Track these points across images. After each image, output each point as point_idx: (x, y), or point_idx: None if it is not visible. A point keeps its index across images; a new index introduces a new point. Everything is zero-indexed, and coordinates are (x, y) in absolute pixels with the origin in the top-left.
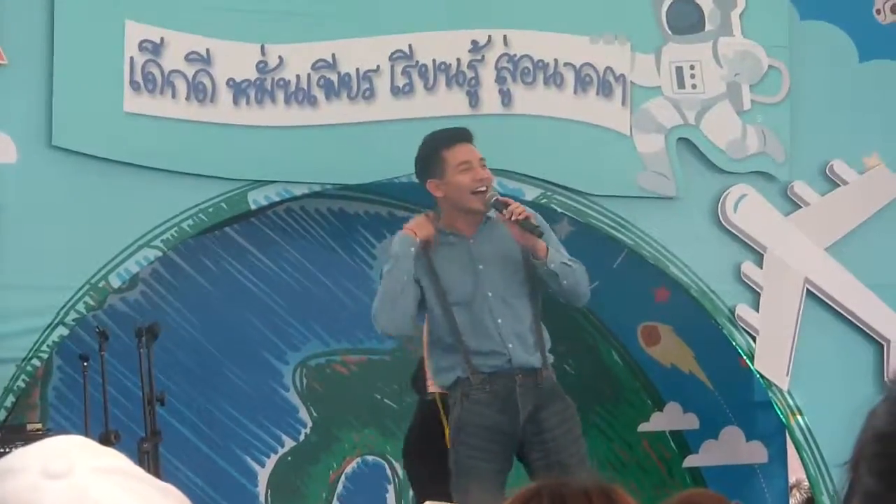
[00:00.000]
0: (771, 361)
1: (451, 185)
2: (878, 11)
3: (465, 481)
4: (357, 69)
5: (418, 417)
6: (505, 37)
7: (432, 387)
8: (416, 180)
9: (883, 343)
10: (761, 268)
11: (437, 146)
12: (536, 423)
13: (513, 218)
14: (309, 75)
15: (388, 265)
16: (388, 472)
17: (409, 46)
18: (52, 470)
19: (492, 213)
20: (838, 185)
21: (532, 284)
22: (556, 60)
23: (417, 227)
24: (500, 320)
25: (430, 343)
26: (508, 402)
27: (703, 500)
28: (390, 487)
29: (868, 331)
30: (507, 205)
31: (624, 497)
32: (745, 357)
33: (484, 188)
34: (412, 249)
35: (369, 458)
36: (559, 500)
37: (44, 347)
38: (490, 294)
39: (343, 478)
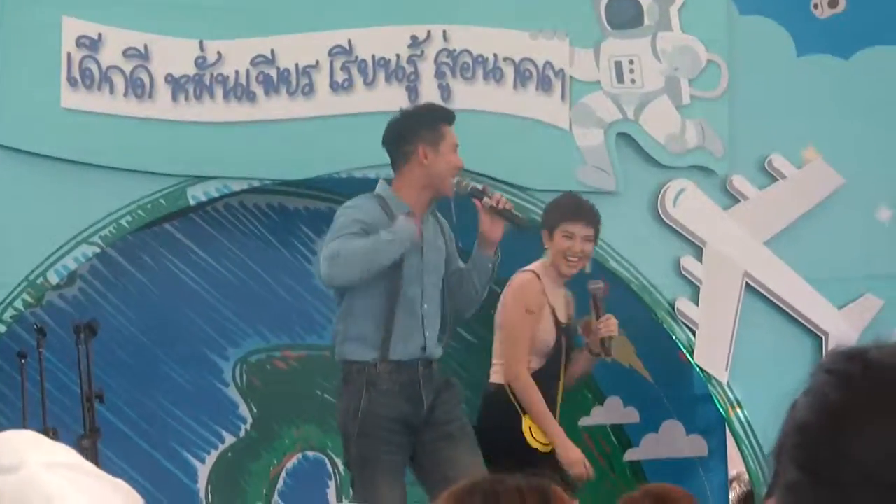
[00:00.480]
0: (711, 355)
1: (442, 161)
2: (816, 6)
3: (369, 473)
4: (296, 65)
5: (484, 409)
6: (444, 32)
7: (494, 377)
8: (387, 146)
9: (821, 336)
10: (701, 262)
11: (439, 118)
12: (432, 410)
13: (500, 206)
14: (248, 71)
15: (391, 236)
16: (329, 467)
17: (349, 42)
18: (2, 464)
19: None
20: (777, 179)
21: (445, 279)
22: (495, 55)
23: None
24: (426, 306)
25: (354, 313)
26: (413, 393)
27: (669, 494)
28: (331, 483)
29: (807, 324)
30: (485, 192)
31: (558, 494)
32: (684, 351)
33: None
34: (409, 244)
35: (310, 453)
36: (493, 498)
37: None
38: (426, 279)
39: (283, 473)
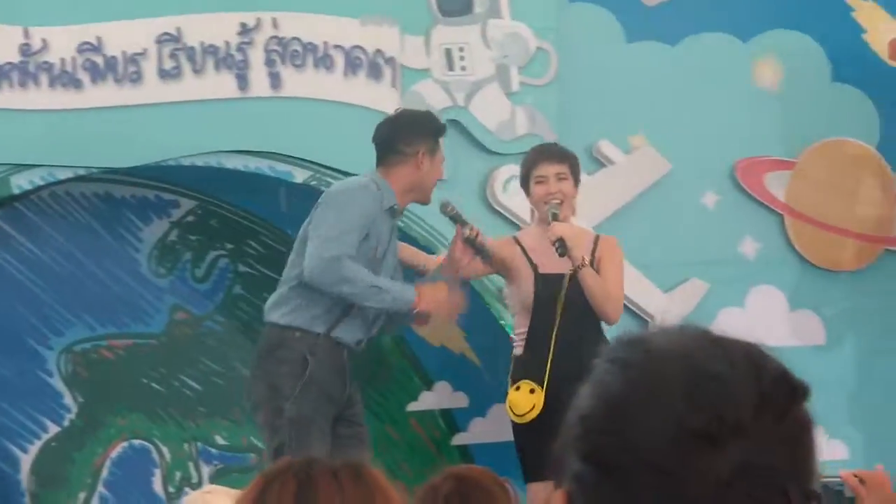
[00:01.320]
0: None
1: (435, 172)
2: None
3: (305, 433)
4: (123, 52)
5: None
6: (274, 19)
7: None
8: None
9: (647, 319)
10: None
11: (440, 130)
12: (350, 403)
13: (477, 238)
14: (74, 58)
15: (391, 297)
16: (155, 455)
17: (177, 29)
18: None
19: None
20: (605, 165)
21: None
22: (325, 43)
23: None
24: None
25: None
26: (341, 377)
27: (470, 475)
28: (157, 471)
29: (633, 307)
30: (465, 222)
31: (373, 474)
32: (513, 336)
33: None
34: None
35: (136, 442)
36: (306, 478)
37: None
38: (383, 274)
39: (108, 462)
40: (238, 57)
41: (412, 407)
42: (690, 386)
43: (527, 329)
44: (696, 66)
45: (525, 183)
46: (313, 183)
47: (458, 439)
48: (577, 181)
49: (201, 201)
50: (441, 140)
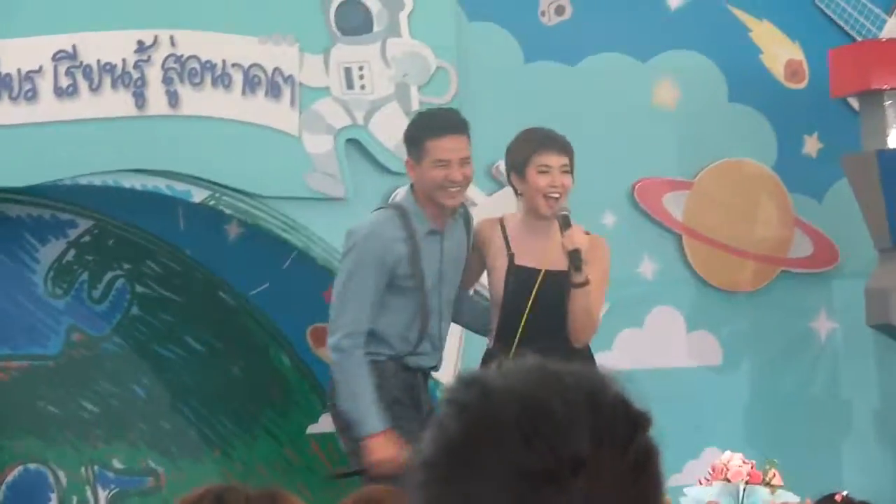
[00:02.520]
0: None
1: (425, 176)
2: (543, 13)
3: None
4: (19, 69)
5: None
6: (172, 37)
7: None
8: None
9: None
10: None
11: (424, 134)
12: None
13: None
14: None
15: (357, 416)
16: (52, 479)
17: (74, 46)
18: None
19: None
20: (504, 185)
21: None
22: (224, 61)
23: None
24: (443, 323)
25: (361, 343)
26: (414, 396)
27: (380, 496)
28: (53, 496)
29: None
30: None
31: (288, 498)
32: None
33: (457, 189)
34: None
35: (31, 466)
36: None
37: None
38: (443, 295)
39: (3, 487)
40: (135, 75)
41: (312, 429)
42: (526, 426)
43: (497, 323)
44: (595, 86)
45: (520, 169)
46: (212, 203)
47: None
48: (573, 175)
49: (98, 221)
50: (431, 142)
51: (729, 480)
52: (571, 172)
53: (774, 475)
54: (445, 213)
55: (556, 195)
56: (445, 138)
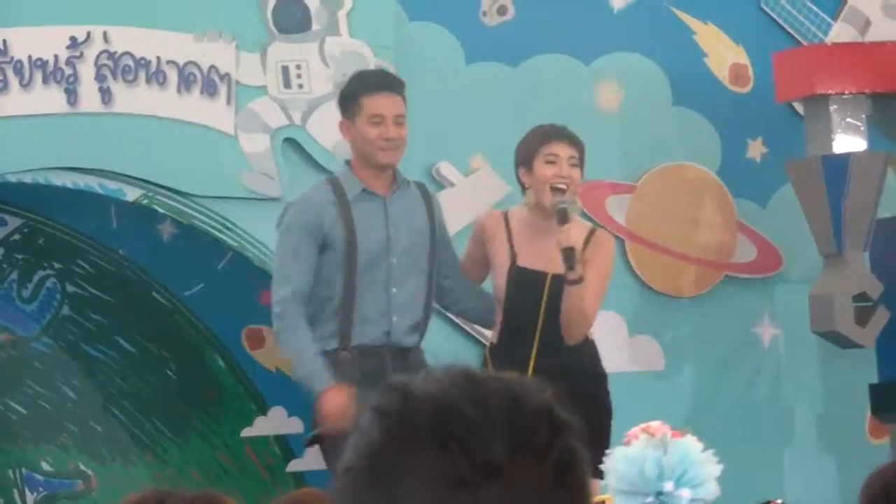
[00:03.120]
0: None
1: (359, 134)
2: (485, 13)
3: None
4: None
5: None
6: (105, 33)
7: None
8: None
9: (486, 344)
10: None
11: (358, 90)
12: None
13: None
14: None
15: (303, 372)
16: None
17: (3, 42)
18: None
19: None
20: (444, 187)
21: (431, 263)
22: (158, 58)
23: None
24: (394, 289)
25: (299, 300)
26: (379, 382)
27: (308, 500)
28: None
29: (472, 332)
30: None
31: (225, 502)
32: None
33: (392, 147)
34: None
35: None
36: None
37: None
38: (395, 261)
39: None
40: (67, 71)
41: (246, 433)
42: (441, 431)
43: (501, 320)
44: (538, 87)
45: (527, 161)
46: (145, 202)
47: (293, 466)
48: (583, 172)
49: (28, 219)
50: (365, 98)
51: (652, 435)
52: (581, 167)
53: (694, 438)
54: (386, 176)
55: (563, 186)
56: (380, 94)
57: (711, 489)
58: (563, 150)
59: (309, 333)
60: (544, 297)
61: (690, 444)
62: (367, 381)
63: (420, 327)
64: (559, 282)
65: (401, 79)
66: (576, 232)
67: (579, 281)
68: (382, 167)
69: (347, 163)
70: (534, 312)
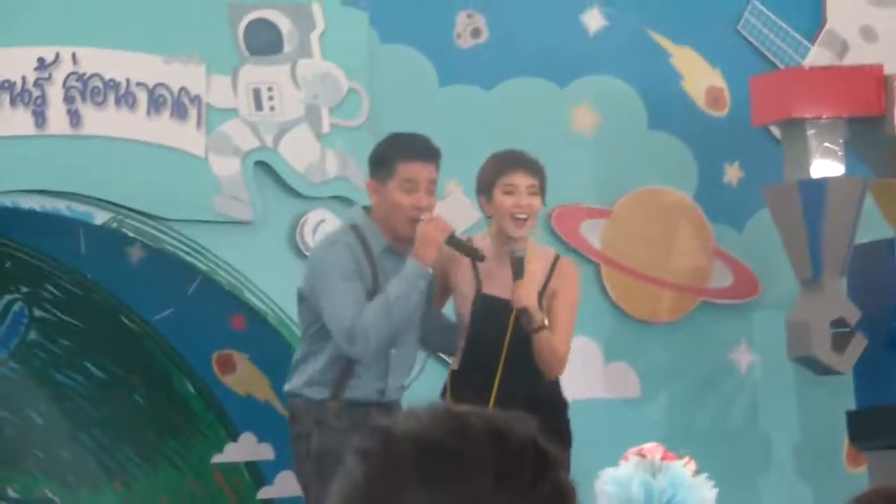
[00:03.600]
0: None
1: (386, 201)
2: (459, 36)
3: None
4: None
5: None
6: (74, 54)
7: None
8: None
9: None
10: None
11: (395, 154)
12: None
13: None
14: None
15: (398, 290)
16: None
17: None
18: None
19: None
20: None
21: (419, 318)
22: (128, 80)
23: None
24: (394, 350)
25: (316, 351)
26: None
27: None
28: None
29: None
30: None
31: None
32: None
33: (420, 217)
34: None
35: None
36: None
37: None
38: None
39: None
40: (35, 93)
41: (217, 459)
42: (424, 469)
43: (464, 347)
44: (512, 111)
45: (487, 190)
46: (114, 225)
47: (264, 493)
48: (544, 198)
49: None
50: (401, 165)
51: (644, 456)
52: (542, 195)
53: (689, 461)
54: (400, 241)
55: (524, 216)
56: (414, 164)
57: None
58: (521, 180)
59: (371, 302)
60: (510, 325)
61: (681, 468)
62: (354, 430)
63: (405, 382)
64: (526, 311)
65: (437, 147)
66: (528, 289)
67: (542, 328)
68: (404, 239)
69: (366, 210)
70: (499, 340)
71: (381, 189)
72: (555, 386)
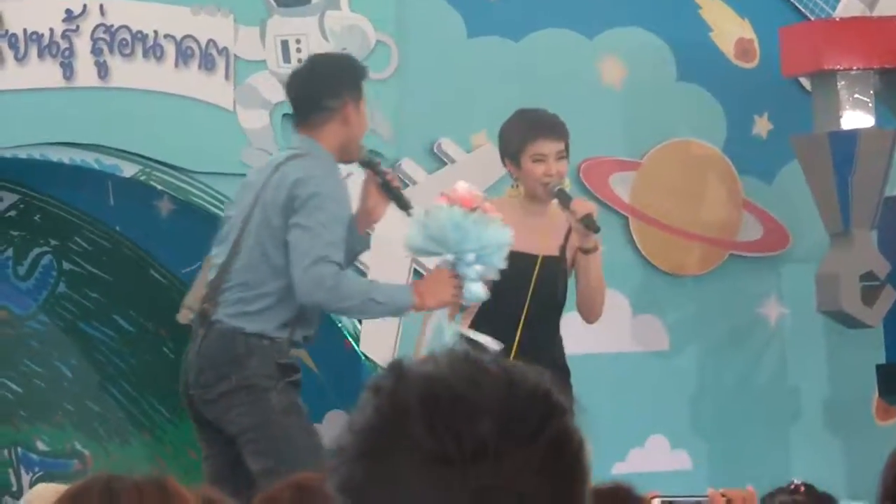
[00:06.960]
0: (378, 343)
1: (362, 122)
2: None
3: (296, 420)
4: None
5: None
6: (101, 6)
7: None
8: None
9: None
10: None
11: (362, 72)
12: None
13: (392, 183)
14: None
15: (382, 303)
16: None
17: None
18: None
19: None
20: (446, 164)
21: None
22: (155, 32)
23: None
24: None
25: (267, 292)
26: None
27: (310, 483)
28: None
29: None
30: (378, 167)
31: (177, 487)
32: (350, 339)
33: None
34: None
35: None
36: (108, 494)
37: None
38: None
39: None
40: (63, 45)
41: None
42: (430, 410)
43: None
44: (540, 63)
45: (514, 157)
46: (142, 178)
47: None
48: (569, 155)
49: (24, 195)
50: (364, 84)
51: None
52: (567, 154)
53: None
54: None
55: (554, 183)
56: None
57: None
58: (550, 147)
59: (360, 277)
60: (533, 280)
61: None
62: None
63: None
64: (550, 262)
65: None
66: (584, 202)
67: (597, 248)
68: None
69: (310, 137)
70: (521, 296)
71: (355, 114)
72: (562, 353)
